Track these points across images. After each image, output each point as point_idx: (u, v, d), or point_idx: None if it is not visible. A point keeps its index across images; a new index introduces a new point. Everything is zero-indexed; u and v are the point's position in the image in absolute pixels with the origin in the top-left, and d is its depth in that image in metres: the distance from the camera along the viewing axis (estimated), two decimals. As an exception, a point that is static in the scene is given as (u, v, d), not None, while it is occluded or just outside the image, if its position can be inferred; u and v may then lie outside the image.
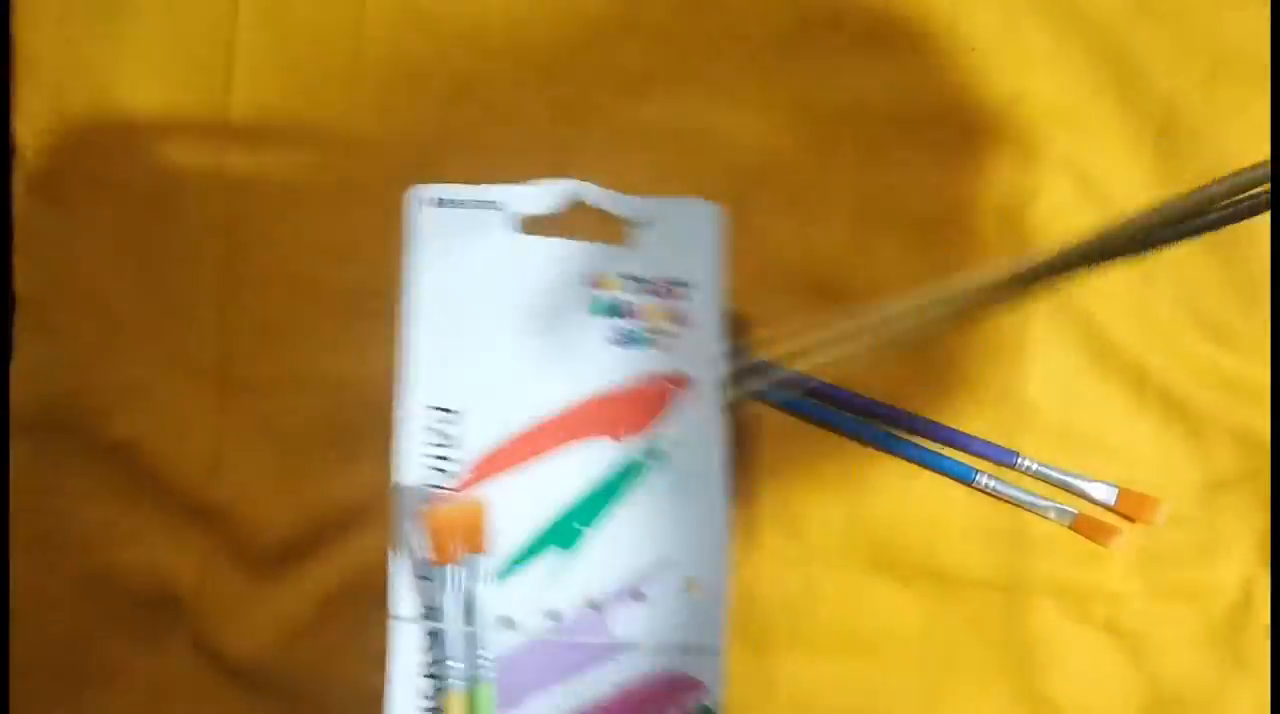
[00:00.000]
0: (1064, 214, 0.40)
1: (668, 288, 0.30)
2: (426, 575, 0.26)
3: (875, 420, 0.39)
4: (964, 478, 0.39)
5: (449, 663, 0.26)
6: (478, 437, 0.27)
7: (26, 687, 0.37)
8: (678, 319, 0.30)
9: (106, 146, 0.38)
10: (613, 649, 0.26)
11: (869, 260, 0.39)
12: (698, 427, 0.28)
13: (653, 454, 0.28)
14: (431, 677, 0.26)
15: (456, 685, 0.25)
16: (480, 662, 0.26)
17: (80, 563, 0.38)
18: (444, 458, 0.28)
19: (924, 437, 0.39)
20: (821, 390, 0.39)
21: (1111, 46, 0.40)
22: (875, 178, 0.40)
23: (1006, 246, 0.40)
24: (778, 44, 0.40)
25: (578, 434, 0.27)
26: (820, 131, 0.40)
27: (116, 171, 0.38)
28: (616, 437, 0.27)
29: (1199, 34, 0.40)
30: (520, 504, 0.27)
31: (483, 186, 0.30)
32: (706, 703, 0.27)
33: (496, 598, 0.26)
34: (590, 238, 0.30)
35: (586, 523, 0.27)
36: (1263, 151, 0.39)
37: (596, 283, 0.30)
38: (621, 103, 0.39)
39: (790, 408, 0.38)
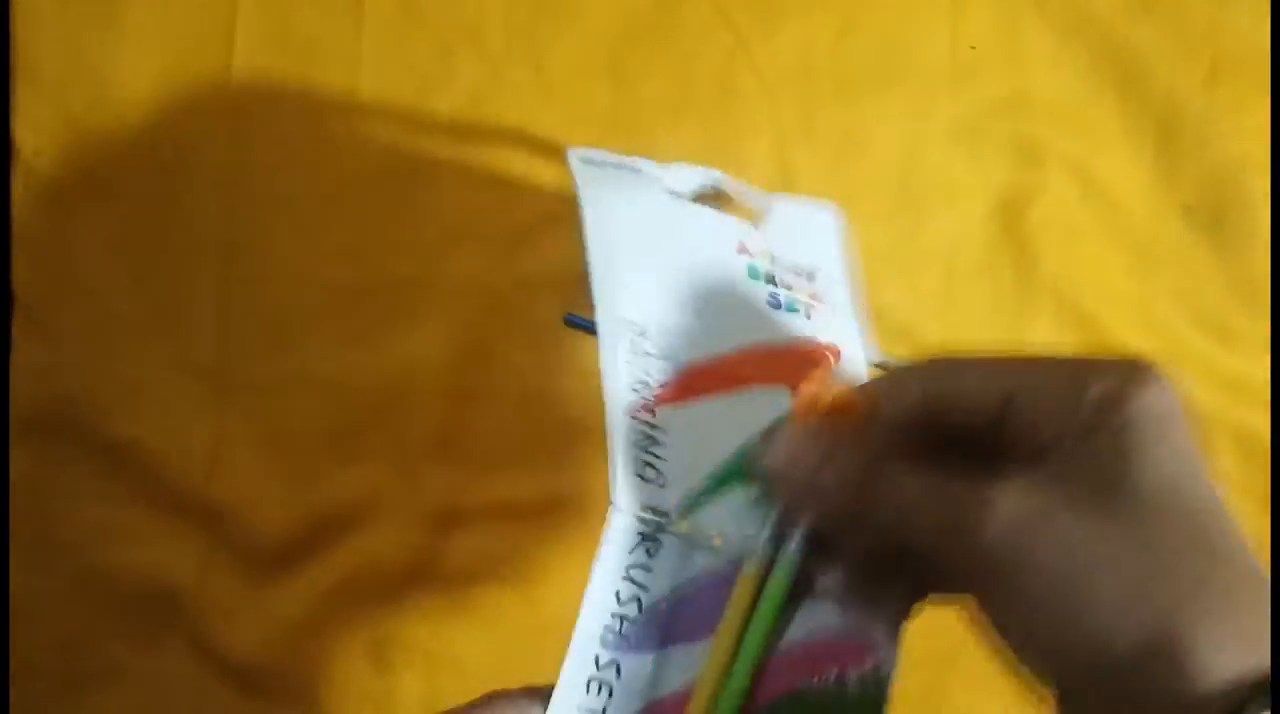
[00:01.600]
0: (1064, 214, 0.40)
1: (803, 271, 0.30)
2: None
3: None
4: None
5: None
6: (658, 363, 0.26)
7: (26, 687, 0.37)
8: (819, 298, 0.30)
9: (106, 146, 0.38)
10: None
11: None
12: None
13: None
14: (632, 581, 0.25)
15: None
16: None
17: (80, 563, 0.38)
18: (641, 378, 0.26)
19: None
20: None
21: (1111, 46, 0.40)
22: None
23: (1007, 246, 0.40)
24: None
25: (756, 378, 0.26)
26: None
27: (116, 171, 0.38)
28: (794, 387, 0.26)
29: (1199, 34, 0.40)
30: (704, 436, 0.26)
31: (629, 157, 0.30)
32: (883, 669, 0.25)
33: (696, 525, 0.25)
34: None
35: None
36: (1263, 151, 0.39)
37: (748, 251, 0.29)
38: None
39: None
